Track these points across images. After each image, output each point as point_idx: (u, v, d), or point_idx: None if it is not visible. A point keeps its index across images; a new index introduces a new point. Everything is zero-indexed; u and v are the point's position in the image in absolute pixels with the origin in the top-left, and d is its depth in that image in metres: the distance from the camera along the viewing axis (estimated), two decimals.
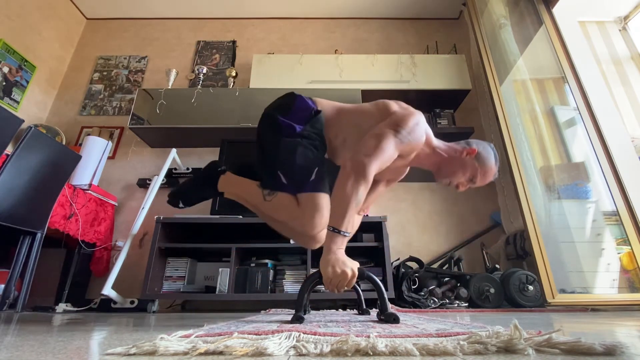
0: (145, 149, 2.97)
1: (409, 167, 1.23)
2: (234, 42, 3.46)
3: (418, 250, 2.62)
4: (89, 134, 2.87)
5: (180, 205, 1.23)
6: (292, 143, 1.06)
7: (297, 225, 1.07)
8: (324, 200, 1.05)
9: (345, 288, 0.90)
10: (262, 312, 1.74)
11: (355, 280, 0.89)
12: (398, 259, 2.32)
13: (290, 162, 1.05)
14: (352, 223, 0.93)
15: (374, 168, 0.95)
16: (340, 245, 0.90)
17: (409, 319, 1.03)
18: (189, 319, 1.41)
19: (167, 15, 3.57)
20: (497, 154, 1.14)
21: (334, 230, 0.90)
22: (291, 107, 1.12)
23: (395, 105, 1.11)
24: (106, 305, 2.12)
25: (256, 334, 0.55)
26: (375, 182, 1.25)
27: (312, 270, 1.70)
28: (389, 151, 0.98)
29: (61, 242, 2.27)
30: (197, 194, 1.24)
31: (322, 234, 1.05)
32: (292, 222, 1.09)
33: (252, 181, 1.17)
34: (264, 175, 1.14)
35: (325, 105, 1.17)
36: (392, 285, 2.00)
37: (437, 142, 1.15)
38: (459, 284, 2.09)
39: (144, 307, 2.02)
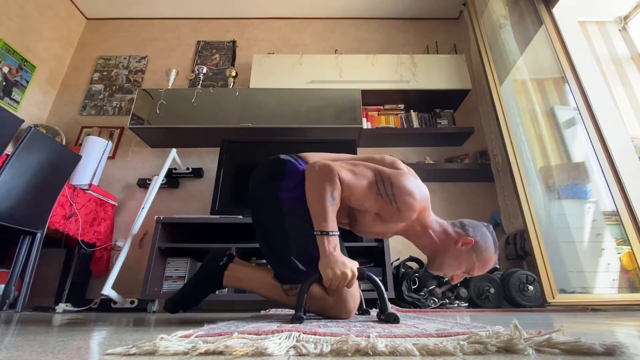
0: (145, 149, 2.97)
1: (391, 235, 1.10)
2: (234, 42, 3.46)
3: (418, 250, 2.61)
4: (89, 134, 2.87)
5: (180, 311, 1.11)
6: (300, 220, 0.96)
7: (332, 314, 0.98)
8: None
9: (346, 288, 0.90)
10: (262, 312, 1.74)
11: (355, 280, 0.89)
12: (398, 259, 2.32)
13: (304, 244, 0.95)
14: (334, 221, 0.92)
15: (339, 170, 0.93)
16: (335, 246, 0.90)
17: (409, 319, 1.03)
18: (189, 319, 1.41)
19: (167, 15, 3.57)
20: (496, 240, 1.03)
21: (322, 233, 0.89)
22: (284, 173, 1.02)
23: (403, 165, 1.03)
24: (106, 305, 2.12)
25: (256, 334, 0.55)
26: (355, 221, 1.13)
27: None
28: (359, 181, 0.94)
29: (61, 242, 2.27)
30: (199, 295, 1.10)
31: (355, 306, 0.99)
32: (326, 313, 1.00)
33: (263, 271, 1.06)
34: (275, 265, 1.03)
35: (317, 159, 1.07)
36: (392, 285, 2.00)
37: (432, 222, 1.02)
38: (459, 284, 2.09)
39: (144, 307, 2.02)
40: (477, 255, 0.99)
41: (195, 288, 1.10)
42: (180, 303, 1.09)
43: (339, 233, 0.92)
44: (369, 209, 0.98)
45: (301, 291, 0.95)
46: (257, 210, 1.06)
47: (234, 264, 1.11)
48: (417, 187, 0.96)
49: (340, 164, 0.99)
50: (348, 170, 0.96)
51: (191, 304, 1.10)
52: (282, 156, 1.08)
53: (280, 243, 0.98)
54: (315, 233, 0.91)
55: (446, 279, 2.13)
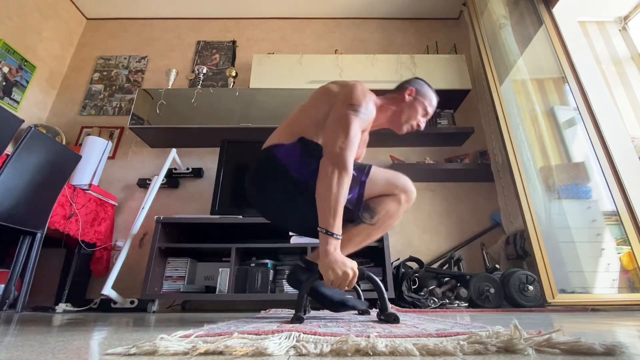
0: (145, 149, 2.97)
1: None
2: (234, 42, 3.46)
3: (418, 250, 2.62)
4: (89, 134, 2.87)
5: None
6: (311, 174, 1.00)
7: (407, 204, 1.08)
8: (385, 172, 1.09)
9: (347, 288, 0.90)
10: (262, 312, 1.74)
11: (356, 279, 0.89)
12: (398, 259, 2.32)
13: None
14: (341, 222, 0.92)
15: (351, 157, 0.96)
16: (335, 246, 0.90)
17: (409, 319, 1.03)
18: (189, 319, 1.41)
19: (167, 15, 3.57)
20: (426, 81, 1.26)
21: (327, 232, 0.89)
22: (280, 163, 1.05)
23: (334, 86, 1.11)
24: (106, 305, 2.12)
25: (256, 334, 0.55)
26: None
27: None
28: (358, 134, 1.00)
29: (61, 242, 2.27)
30: (320, 297, 1.09)
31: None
32: (405, 206, 1.08)
33: (347, 230, 1.07)
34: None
35: (287, 130, 1.12)
36: (392, 285, 2.00)
37: (380, 101, 1.19)
38: (459, 284, 2.09)
39: (144, 307, 2.02)
40: (422, 96, 1.20)
41: (315, 292, 1.09)
42: (327, 306, 1.11)
43: (341, 236, 0.91)
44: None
45: (301, 291, 0.95)
46: (279, 206, 1.10)
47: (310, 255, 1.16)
48: (362, 87, 1.06)
49: (337, 141, 0.97)
50: (345, 136, 0.97)
51: (326, 302, 1.10)
52: (265, 149, 1.10)
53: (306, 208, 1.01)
54: (319, 230, 0.90)
55: (446, 278, 2.14)
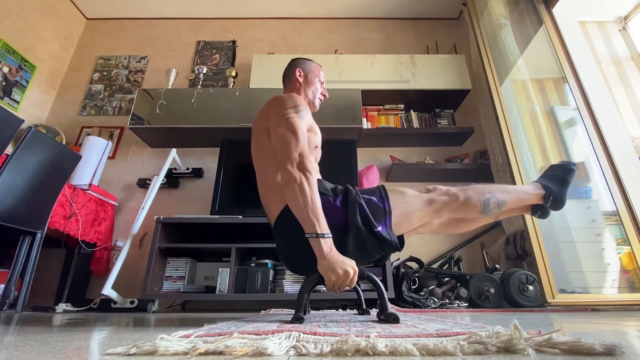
0: (145, 149, 2.97)
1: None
2: (234, 42, 3.46)
3: (418, 250, 2.62)
4: (89, 134, 2.87)
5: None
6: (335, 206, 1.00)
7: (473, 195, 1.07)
8: (404, 191, 1.07)
9: (347, 287, 0.90)
10: (262, 312, 1.74)
11: (356, 277, 0.89)
12: (398, 259, 2.32)
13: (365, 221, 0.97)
14: (324, 220, 0.91)
15: (308, 157, 0.97)
16: (330, 245, 0.89)
17: (409, 319, 1.03)
18: (189, 319, 1.41)
19: (167, 15, 3.57)
20: (308, 58, 1.35)
21: (317, 235, 0.88)
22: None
23: (262, 110, 1.14)
24: (106, 305, 2.12)
25: (256, 334, 0.55)
26: None
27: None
28: (305, 133, 1.02)
29: (61, 242, 2.27)
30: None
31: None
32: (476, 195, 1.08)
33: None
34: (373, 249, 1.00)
35: (272, 192, 1.06)
36: (392, 285, 2.00)
37: (288, 93, 1.23)
38: (459, 284, 2.09)
39: (144, 307, 2.02)
40: (309, 71, 1.30)
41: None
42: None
43: (331, 235, 0.90)
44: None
45: (301, 291, 0.95)
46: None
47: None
48: (284, 97, 1.10)
49: (282, 139, 0.99)
50: (293, 137, 0.99)
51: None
52: (277, 220, 1.03)
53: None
54: (307, 236, 0.89)
55: (446, 278, 2.14)
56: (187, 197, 2.80)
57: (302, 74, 1.28)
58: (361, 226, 0.95)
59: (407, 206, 1.03)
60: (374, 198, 1.01)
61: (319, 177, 1.12)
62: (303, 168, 0.94)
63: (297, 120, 1.02)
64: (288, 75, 1.31)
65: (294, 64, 1.31)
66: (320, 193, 0.98)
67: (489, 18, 2.80)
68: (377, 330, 0.68)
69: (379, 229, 0.96)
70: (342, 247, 0.93)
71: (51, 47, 3.16)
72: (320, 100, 1.32)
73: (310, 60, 1.34)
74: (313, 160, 1.01)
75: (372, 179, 2.67)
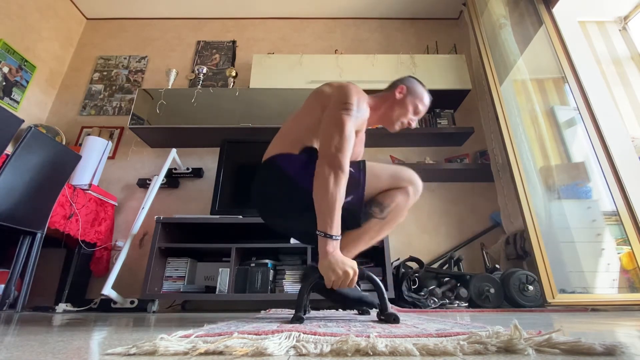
0: (145, 149, 2.97)
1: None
2: (234, 42, 3.46)
3: (418, 250, 2.62)
4: (89, 134, 2.87)
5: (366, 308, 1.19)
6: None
7: (415, 195, 1.09)
8: (383, 166, 1.11)
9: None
10: (262, 312, 1.74)
11: (356, 277, 0.89)
12: (398, 259, 2.32)
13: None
14: (339, 223, 0.92)
15: (347, 157, 0.96)
16: (335, 246, 0.90)
17: (409, 319, 1.03)
18: (189, 319, 1.41)
19: (167, 15, 3.57)
20: (419, 80, 1.26)
21: (325, 235, 0.89)
22: (284, 171, 1.05)
23: (326, 88, 1.11)
24: (106, 305, 2.12)
25: (256, 334, 0.55)
26: None
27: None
28: (352, 134, 1.00)
29: (61, 242, 2.27)
30: (337, 295, 1.06)
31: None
32: (413, 198, 1.10)
33: (352, 232, 1.08)
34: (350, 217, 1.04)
35: (285, 140, 1.12)
36: (392, 285, 2.00)
37: (372, 100, 1.20)
38: (459, 284, 2.09)
39: (144, 307, 2.02)
40: (412, 94, 1.21)
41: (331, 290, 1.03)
42: (344, 304, 1.17)
43: (340, 237, 0.91)
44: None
45: (301, 291, 0.95)
46: (286, 212, 1.09)
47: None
48: (355, 88, 1.08)
49: (332, 141, 0.98)
50: (340, 138, 0.98)
51: (340, 301, 1.09)
52: (268, 160, 1.09)
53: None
54: (317, 233, 0.90)
55: (446, 278, 2.14)
56: (187, 197, 2.80)
57: (403, 92, 1.21)
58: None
59: (389, 185, 1.08)
60: (351, 169, 1.02)
61: None
62: (336, 165, 0.94)
63: (350, 119, 1.00)
64: (393, 84, 1.25)
65: (405, 80, 1.25)
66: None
67: (489, 18, 2.80)
68: (377, 330, 0.68)
69: (349, 199, 1.00)
70: (303, 209, 1.00)
71: (51, 47, 3.16)
72: (402, 126, 1.23)
73: (426, 89, 1.25)
74: (347, 162, 0.97)
75: None
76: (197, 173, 2.81)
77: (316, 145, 1.06)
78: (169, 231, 2.18)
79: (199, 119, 2.69)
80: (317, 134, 1.06)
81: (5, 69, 2.72)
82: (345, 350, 0.45)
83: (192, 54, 3.42)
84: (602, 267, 2.00)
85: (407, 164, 2.78)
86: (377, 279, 0.96)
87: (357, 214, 1.04)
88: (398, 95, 1.20)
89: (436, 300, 2.01)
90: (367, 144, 2.98)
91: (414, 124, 1.24)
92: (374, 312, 1.35)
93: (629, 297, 1.83)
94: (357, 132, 1.07)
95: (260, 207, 1.13)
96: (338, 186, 0.92)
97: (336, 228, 0.90)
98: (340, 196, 0.92)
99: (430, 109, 3.01)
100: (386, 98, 1.22)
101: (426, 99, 1.24)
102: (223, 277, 2.02)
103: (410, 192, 1.08)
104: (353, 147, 1.05)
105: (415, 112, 1.22)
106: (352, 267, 0.88)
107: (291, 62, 2.99)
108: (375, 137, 2.89)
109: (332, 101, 1.05)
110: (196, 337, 0.54)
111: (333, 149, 0.95)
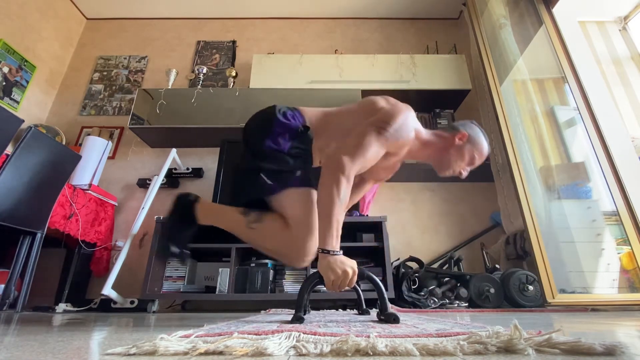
0: (145, 149, 2.97)
1: (400, 163, 1.22)
2: (234, 42, 3.46)
3: (418, 250, 2.62)
4: (89, 134, 2.87)
5: (173, 249, 1.15)
6: (279, 154, 1.04)
7: (290, 252, 1.03)
8: (313, 208, 1.02)
9: (347, 287, 0.90)
10: (262, 312, 1.74)
11: (355, 278, 0.89)
12: (398, 259, 2.32)
13: (276, 162, 1.04)
14: (339, 226, 0.92)
15: (354, 167, 0.95)
16: (334, 246, 0.90)
17: (409, 319, 1.03)
18: (189, 319, 1.41)
19: (167, 15, 3.57)
20: (482, 129, 1.16)
21: (323, 251, 0.89)
22: (272, 128, 1.08)
23: (382, 101, 1.09)
24: (106, 305, 2.12)
25: (256, 334, 0.55)
26: (363, 180, 1.24)
27: (312, 270, 1.70)
28: (372, 150, 0.97)
29: (61, 242, 2.27)
30: (181, 232, 1.16)
31: (313, 251, 1.01)
32: (283, 250, 1.05)
33: (231, 207, 1.13)
34: (247, 184, 1.09)
35: (311, 114, 1.15)
36: (392, 285, 2.00)
37: (427, 135, 1.14)
38: (459, 284, 2.09)
39: (144, 307, 2.02)
40: (473, 144, 1.11)
41: (173, 225, 1.16)
42: (167, 245, 1.14)
43: (341, 252, 0.91)
44: (388, 158, 1.06)
45: (301, 291, 0.95)
46: (245, 153, 1.14)
47: (203, 200, 1.20)
48: (405, 112, 1.04)
49: (346, 150, 0.98)
50: (354, 152, 0.97)
51: (180, 240, 1.16)
52: (276, 109, 1.15)
53: (255, 164, 1.07)
54: (318, 251, 0.91)
55: (446, 278, 2.14)
56: None
57: (463, 140, 1.11)
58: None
59: (286, 215, 1.08)
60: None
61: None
62: (342, 168, 0.93)
63: (379, 138, 0.97)
64: (454, 127, 1.14)
65: (468, 126, 1.14)
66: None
67: (489, 18, 2.80)
68: (377, 330, 0.68)
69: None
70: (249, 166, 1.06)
71: (51, 47, 3.16)
72: (452, 172, 1.14)
73: (487, 139, 1.15)
74: (353, 172, 0.95)
75: None
76: (197, 173, 2.81)
77: (331, 144, 1.06)
78: None
79: (199, 119, 2.69)
80: (337, 134, 1.05)
81: (5, 69, 2.72)
82: (345, 350, 0.45)
83: (192, 54, 3.42)
84: (602, 267, 2.00)
85: (407, 164, 2.78)
86: (377, 279, 0.96)
87: (264, 192, 1.04)
88: (457, 142, 1.11)
89: (436, 300, 2.01)
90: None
91: (465, 174, 1.15)
92: (374, 312, 1.35)
93: (629, 297, 1.83)
94: (388, 155, 1.03)
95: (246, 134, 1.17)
96: (337, 188, 0.92)
97: (336, 243, 0.90)
98: (339, 198, 0.91)
99: (431, 109, 3.01)
100: (443, 139, 1.13)
101: (485, 151, 1.14)
102: (223, 277, 2.02)
103: (290, 254, 1.04)
104: (377, 170, 1.05)
105: (471, 163, 1.13)
106: (351, 267, 0.88)
107: (291, 62, 2.98)
108: None
109: (376, 116, 1.02)
110: (196, 337, 0.54)
111: (341, 153, 0.95)
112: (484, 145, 1.13)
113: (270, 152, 1.04)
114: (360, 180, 1.23)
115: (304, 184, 1.06)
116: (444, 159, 1.13)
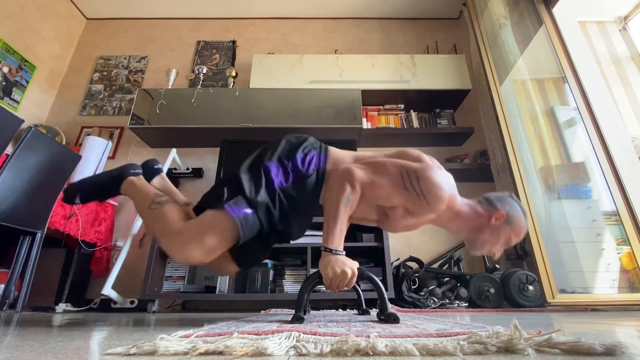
0: (145, 149, 2.97)
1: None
2: (234, 42, 3.46)
3: (418, 250, 2.62)
4: (89, 134, 2.87)
5: (77, 200, 1.12)
6: (268, 182, 0.99)
7: (163, 242, 0.97)
8: (218, 229, 0.93)
9: (346, 288, 0.90)
10: (262, 312, 1.74)
11: (355, 279, 0.89)
12: (398, 259, 2.32)
13: (255, 185, 0.99)
14: (343, 227, 0.92)
15: (362, 178, 0.95)
16: (337, 245, 0.91)
17: (409, 319, 1.03)
18: (189, 319, 1.41)
19: (167, 15, 3.57)
20: (521, 205, 1.06)
21: (325, 249, 0.90)
22: (294, 157, 1.02)
23: (427, 157, 1.02)
24: (106, 305, 2.12)
25: (256, 334, 0.55)
26: (381, 223, 1.12)
27: (312, 270, 1.70)
28: (386, 179, 0.95)
29: (61, 242, 2.27)
30: (100, 192, 1.14)
31: (197, 258, 0.93)
32: (160, 237, 0.99)
33: (154, 189, 1.12)
34: (214, 189, 1.09)
35: (338, 157, 1.07)
36: (392, 285, 2.00)
37: (461, 205, 1.04)
38: (459, 284, 2.09)
39: (144, 307, 2.02)
40: (511, 225, 1.01)
41: (98, 182, 1.13)
42: (75, 194, 1.12)
43: (344, 253, 0.91)
44: (398, 204, 0.98)
45: (301, 291, 0.95)
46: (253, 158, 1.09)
47: (142, 178, 1.14)
48: (444, 179, 0.96)
49: (359, 165, 0.99)
50: (369, 171, 0.97)
51: (89, 197, 1.13)
52: (304, 144, 1.06)
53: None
54: (321, 249, 0.91)
55: (446, 278, 2.14)
56: (187, 197, 2.79)
57: (501, 220, 1.01)
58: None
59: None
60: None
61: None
62: (351, 177, 0.93)
63: (387, 174, 0.95)
64: (490, 202, 1.04)
65: (506, 203, 1.03)
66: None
67: (489, 18, 2.80)
68: (377, 330, 0.68)
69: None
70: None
71: (51, 47, 3.16)
72: (485, 253, 1.07)
73: (525, 217, 1.05)
74: (357, 193, 0.94)
75: None
76: (197, 173, 2.81)
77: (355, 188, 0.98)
78: None
79: (199, 119, 2.69)
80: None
81: (5, 69, 2.72)
82: (345, 350, 0.45)
83: (192, 54, 3.42)
84: (602, 267, 2.00)
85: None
86: (377, 279, 0.96)
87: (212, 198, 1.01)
88: (494, 222, 1.01)
89: (436, 300, 2.01)
90: (367, 144, 2.99)
91: (498, 255, 1.06)
92: (374, 312, 1.35)
93: (629, 297, 1.83)
94: (407, 214, 0.99)
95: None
96: (342, 192, 0.92)
97: (338, 243, 0.90)
98: (344, 202, 0.92)
99: (431, 109, 3.01)
100: (478, 216, 1.03)
101: (523, 232, 1.04)
102: (223, 277, 2.02)
103: (167, 241, 0.95)
104: (394, 222, 1.02)
105: (506, 244, 1.04)
106: (351, 267, 0.88)
107: (291, 62, 2.99)
108: (376, 137, 2.89)
109: (414, 162, 0.99)
110: (196, 337, 0.54)
111: (357, 168, 0.96)
112: (523, 226, 1.03)
113: (262, 173, 1.00)
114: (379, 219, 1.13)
115: (231, 211, 0.95)
116: (477, 240, 1.04)
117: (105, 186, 1.13)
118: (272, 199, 0.98)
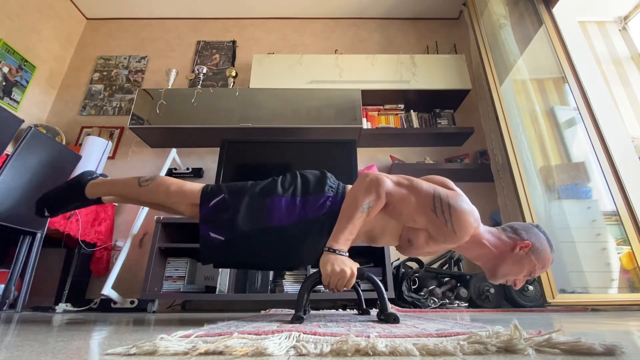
0: (145, 149, 2.97)
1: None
2: (234, 42, 3.46)
3: None
4: (89, 134, 2.87)
5: (46, 214, 1.14)
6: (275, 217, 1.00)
7: (173, 203, 1.11)
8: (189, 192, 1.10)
9: (345, 288, 0.89)
10: (262, 312, 1.74)
11: (354, 279, 0.89)
12: (398, 259, 2.32)
13: (261, 214, 1.01)
14: (353, 230, 0.92)
15: (390, 187, 0.95)
16: (342, 246, 0.91)
17: (409, 319, 1.03)
18: (189, 319, 1.41)
19: (167, 15, 3.57)
20: (548, 237, 1.01)
21: (329, 250, 0.90)
22: (310, 192, 1.03)
23: (454, 186, 1.01)
24: (106, 305, 2.12)
25: (256, 334, 0.55)
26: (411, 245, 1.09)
27: (312, 271, 1.70)
28: (412, 193, 0.94)
29: (61, 242, 2.27)
30: (63, 202, 1.15)
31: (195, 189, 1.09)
32: (167, 202, 1.11)
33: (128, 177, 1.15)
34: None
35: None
36: (392, 285, 2.00)
37: (484, 233, 1.01)
38: (459, 284, 2.09)
39: (144, 307, 2.02)
40: (536, 256, 0.98)
41: (59, 193, 1.14)
42: (46, 205, 1.13)
43: (347, 255, 0.91)
44: (421, 225, 0.97)
45: (301, 291, 0.95)
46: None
47: (102, 177, 1.18)
48: (471, 210, 0.94)
49: (391, 176, 0.99)
50: (400, 184, 0.97)
51: (57, 209, 1.14)
52: (322, 185, 1.05)
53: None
54: (324, 248, 0.91)
55: (446, 278, 2.14)
56: None
57: (528, 250, 0.97)
58: None
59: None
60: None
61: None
62: (377, 185, 0.94)
63: (418, 190, 0.94)
64: (516, 231, 1.00)
65: (532, 234, 0.99)
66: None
67: (489, 18, 2.80)
68: (377, 330, 0.68)
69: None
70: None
71: (51, 47, 3.16)
72: (506, 282, 1.03)
73: (552, 247, 1.00)
74: (381, 201, 0.94)
75: None
76: (197, 173, 2.81)
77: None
78: (169, 231, 2.18)
79: (199, 119, 2.69)
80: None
81: (5, 69, 2.72)
82: (345, 350, 0.45)
83: (192, 54, 3.42)
84: (602, 267, 2.00)
85: (407, 164, 2.79)
86: (377, 279, 0.96)
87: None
88: (518, 251, 0.97)
89: (436, 300, 2.01)
90: (367, 144, 2.99)
91: (520, 285, 1.03)
92: (374, 312, 1.35)
93: (629, 297, 1.83)
94: (430, 240, 0.98)
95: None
96: (364, 195, 0.93)
97: (343, 245, 0.91)
98: (362, 206, 0.92)
99: (431, 109, 3.01)
100: (502, 244, 0.99)
101: (548, 264, 1.00)
102: (223, 277, 2.02)
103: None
104: (417, 247, 1.01)
105: (530, 275, 1.01)
106: (351, 267, 0.88)
107: (291, 62, 2.99)
108: (376, 137, 2.89)
109: (443, 187, 0.98)
110: (196, 337, 0.54)
111: (389, 178, 0.96)
112: (549, 258, 0.99)
113: (270, 204, 1.01)
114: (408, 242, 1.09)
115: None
116: (498, 268, 1.00)
117: (67, 196, 1.14)
118: (256, 236, 1.00)
